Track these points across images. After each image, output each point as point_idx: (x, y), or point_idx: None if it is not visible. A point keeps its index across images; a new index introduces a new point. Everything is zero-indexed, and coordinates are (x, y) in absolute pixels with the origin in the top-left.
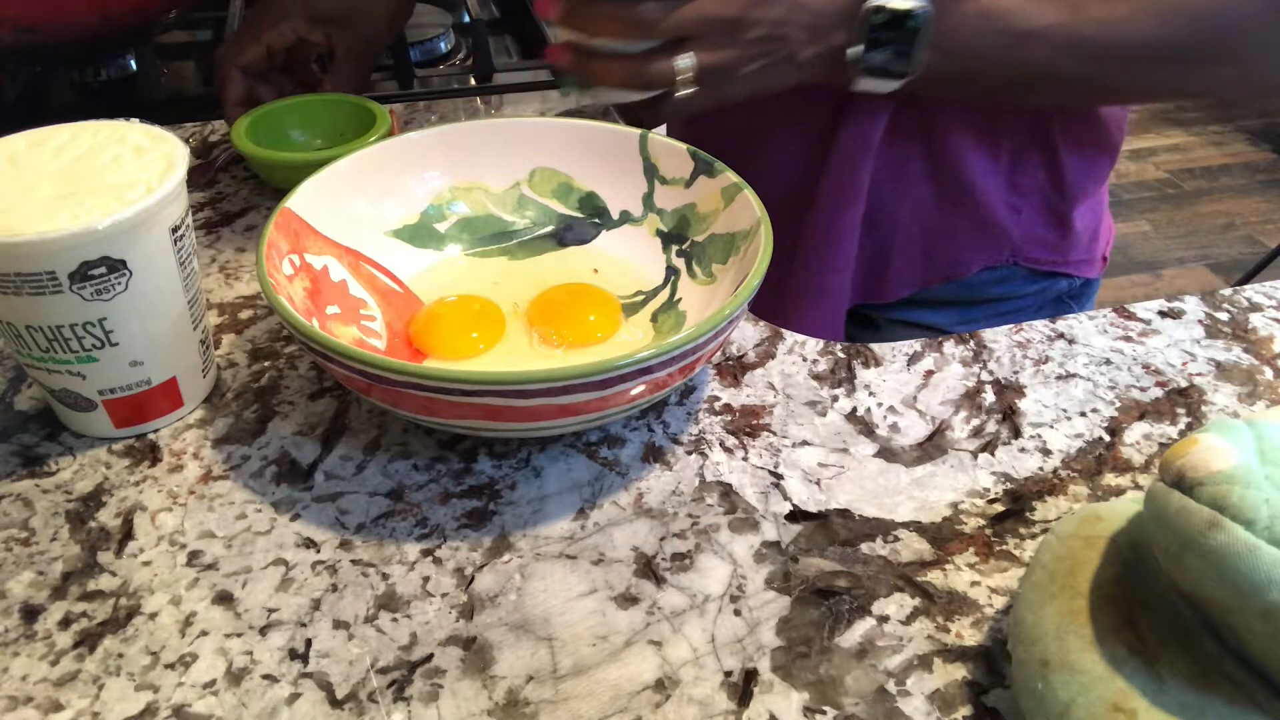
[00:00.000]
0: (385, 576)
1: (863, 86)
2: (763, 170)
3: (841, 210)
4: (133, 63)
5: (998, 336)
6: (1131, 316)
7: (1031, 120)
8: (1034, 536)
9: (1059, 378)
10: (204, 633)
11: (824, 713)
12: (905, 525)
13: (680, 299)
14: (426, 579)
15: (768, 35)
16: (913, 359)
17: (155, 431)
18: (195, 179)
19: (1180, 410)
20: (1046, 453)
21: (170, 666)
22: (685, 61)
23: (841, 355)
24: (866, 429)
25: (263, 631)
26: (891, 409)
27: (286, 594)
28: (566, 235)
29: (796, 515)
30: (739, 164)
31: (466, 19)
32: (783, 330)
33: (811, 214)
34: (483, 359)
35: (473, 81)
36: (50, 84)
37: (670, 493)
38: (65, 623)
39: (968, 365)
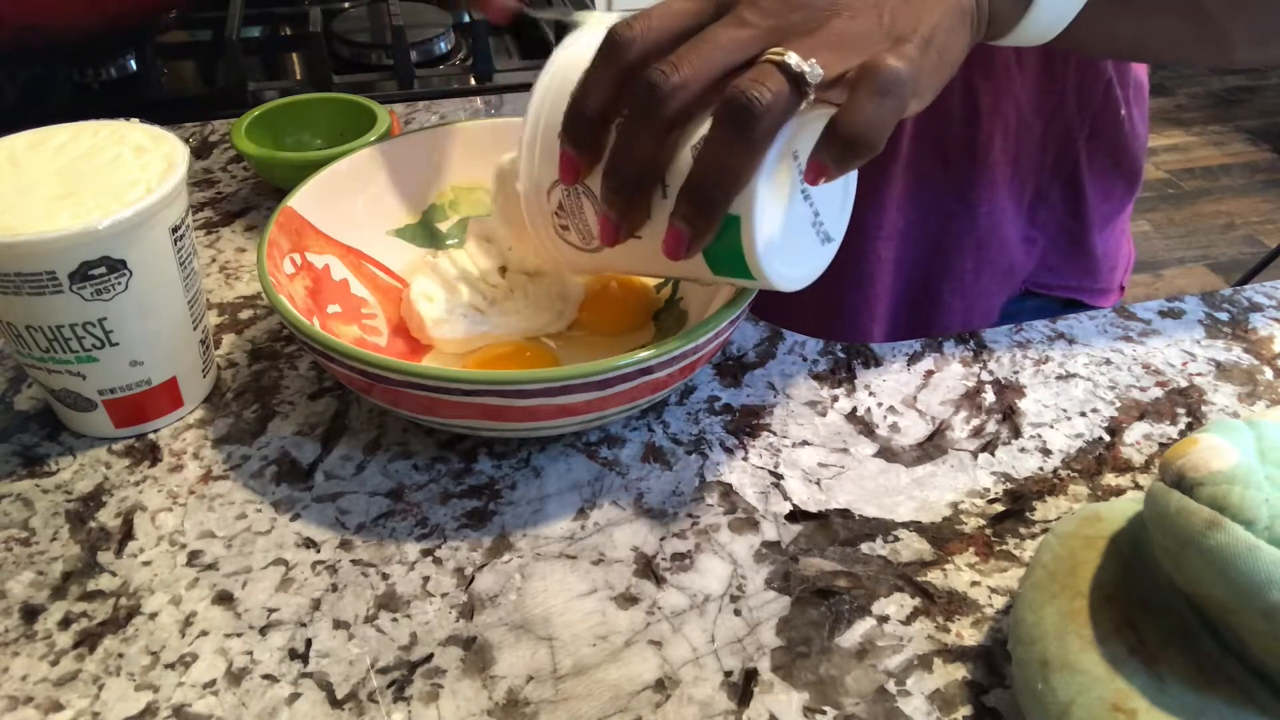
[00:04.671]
0: (385, 576)
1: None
2: None
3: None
4: (133, 63)
5: (998, 336)
6: (1131, 316)
7: (1057, 155)
8: (1034, 536)
9: (1059, 378)
10: (204, 633)
11: (824, 713)
12: (905, 525)
13: (681, 299)
14: (426, 579)
15: None
16: (913, 359)
17: (155, 431)
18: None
19: (1180, 410)
20: (1046, 453)
21: (170, 666)
22: (793, 58)
23: (841, 355)
24: (866, 429)
25: (263, 631)
26: (891, 409)
27: (286, 594)
28: None
29: (796, 515)
30: None
31: (466, 19)
32: (783, 330)
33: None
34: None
35: (473, 81)
36: (50, 84)
37: (670, 493)
38: (65, 623)
39: (968, 365)
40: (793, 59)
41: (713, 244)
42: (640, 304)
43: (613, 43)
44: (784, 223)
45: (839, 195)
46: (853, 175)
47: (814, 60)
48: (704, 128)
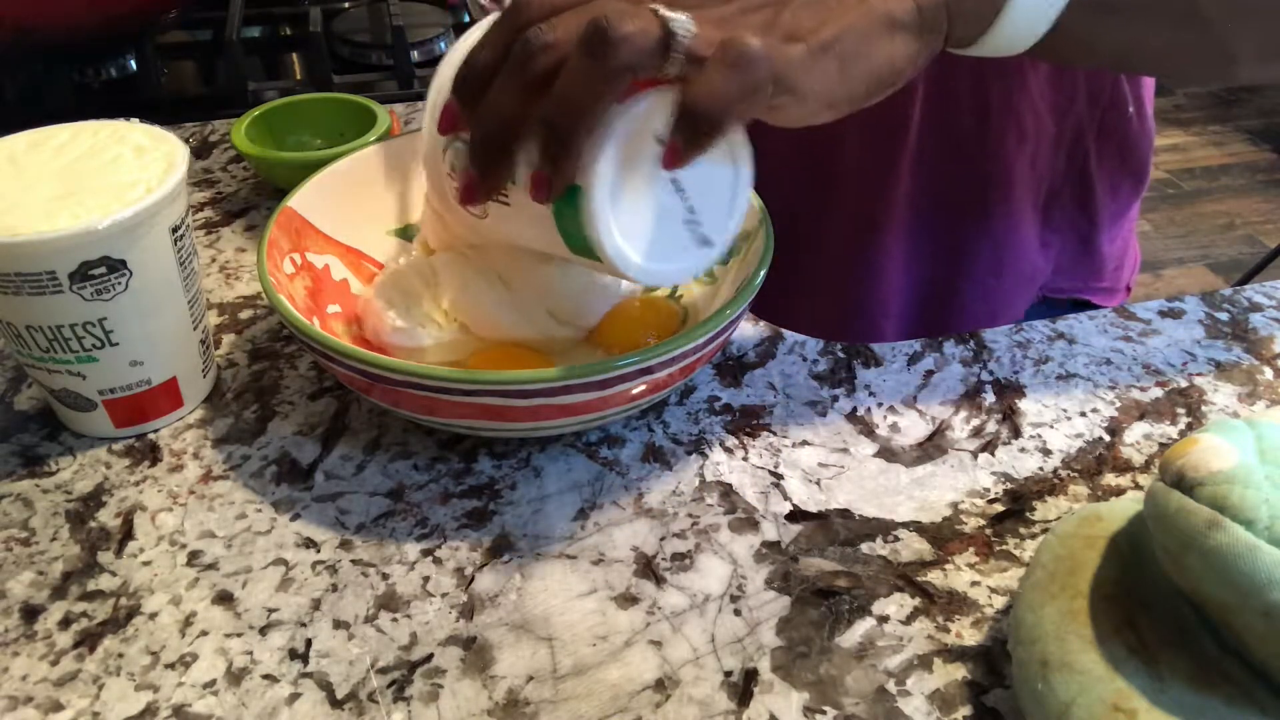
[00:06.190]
0: (385, 576)
1: (1007, 27)
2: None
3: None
4: (133, 63)
5: (998, 336)
6: (1131, 316)
7: (1069, 153)
8: (1034, 536)
9: (1059, 378)
10: (204, 633)
11: (824, 713)
12: (905, 525)
13: (681, 299)
14: (426, 579)
15: None
16: (913, 359)
17: (155, 431)
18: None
19: (1180, 410)
20: (1046, 453)
21: (170, 666)
22: (668, 11)
23: (841, 355)
24: (866, 429)
25: (263, 631)
26: (891, 409)
27: (286, 594)
28: None
29: (796, 515)
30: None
31: (466, 19)
32: (783, 330)
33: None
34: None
35: None
36: (50, 84)
37: (670, 493)
38: (65, 623)
39: (968, 365)
40: (667, 12)
41: (564, 217)
42: (657, 324)
43: (514, 4)
44: (640, 208)
45: (725, 197)
46: (745, 178)
47: (688, 18)
48: None
